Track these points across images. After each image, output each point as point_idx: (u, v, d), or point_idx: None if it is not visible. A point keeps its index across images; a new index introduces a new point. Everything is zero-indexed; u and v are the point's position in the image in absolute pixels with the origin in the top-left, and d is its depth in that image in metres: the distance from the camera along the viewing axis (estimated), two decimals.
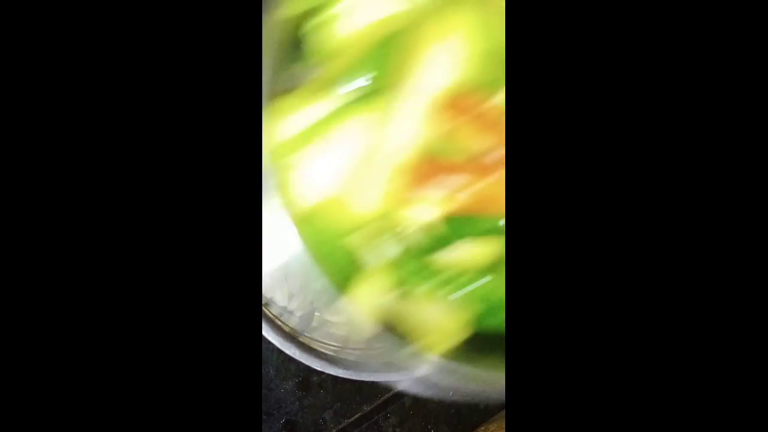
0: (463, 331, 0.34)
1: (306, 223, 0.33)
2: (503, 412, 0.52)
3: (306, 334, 0.49)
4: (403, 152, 0.32)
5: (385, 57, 0.33)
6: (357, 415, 0.52)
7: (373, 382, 0.46)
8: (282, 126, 0.33)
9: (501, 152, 0.32)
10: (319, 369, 0.45)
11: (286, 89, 0.35)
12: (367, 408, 0.52)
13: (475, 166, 0.32)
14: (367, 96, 0.33)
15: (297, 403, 0.52)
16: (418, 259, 0.33)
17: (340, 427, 0.52)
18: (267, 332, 0.45)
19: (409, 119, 0.32)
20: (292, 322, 0.50)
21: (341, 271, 0.34)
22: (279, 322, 0.48)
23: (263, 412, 0.52)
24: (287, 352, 0.46)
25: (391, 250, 0.33)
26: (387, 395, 0.53)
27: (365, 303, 0.34)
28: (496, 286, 0.33)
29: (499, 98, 0.32)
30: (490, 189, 0.32)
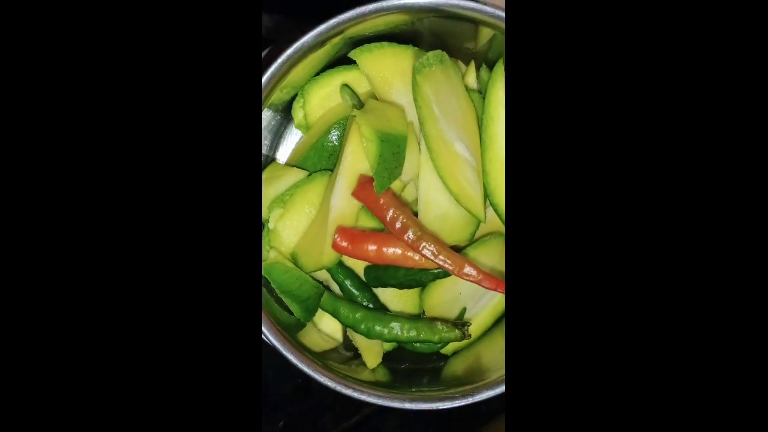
0: None
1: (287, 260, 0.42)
2: (503, 416, 0.51)
3: None
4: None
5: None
6: (356, 418, 0.51)
7: None
8: (270, 188, 0.42)
9: None
10: None
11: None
12: (367, 410, 0.51)
13: None
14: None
15: (296, 406, 0.50)
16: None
17: (339, 429, 0.51)
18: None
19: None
20: None
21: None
22: None
23: (262, 414, 0.47)
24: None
25: None
26: None
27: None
28: None
29: None
30: None
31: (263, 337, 0.38)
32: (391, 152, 0.39)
